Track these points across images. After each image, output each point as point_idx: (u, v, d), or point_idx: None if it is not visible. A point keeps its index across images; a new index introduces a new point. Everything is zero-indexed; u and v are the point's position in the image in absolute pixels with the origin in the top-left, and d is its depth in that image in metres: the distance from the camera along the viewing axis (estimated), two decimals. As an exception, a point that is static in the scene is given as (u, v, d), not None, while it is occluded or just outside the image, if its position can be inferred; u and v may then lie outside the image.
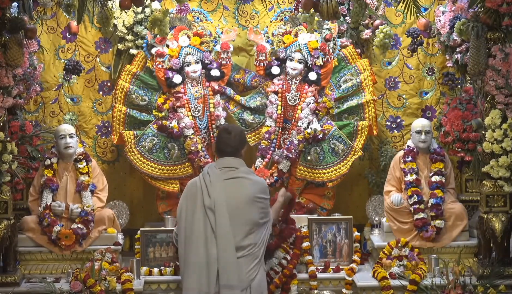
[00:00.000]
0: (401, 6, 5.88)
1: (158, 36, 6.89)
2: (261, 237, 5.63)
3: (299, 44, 7.11)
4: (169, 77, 7.01)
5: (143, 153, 6.98)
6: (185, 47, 7.07)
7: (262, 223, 5.65)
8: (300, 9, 6.83)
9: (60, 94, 7.42)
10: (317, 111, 7.06)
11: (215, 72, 7.09)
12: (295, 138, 7.02)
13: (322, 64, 7.10)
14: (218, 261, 5.48)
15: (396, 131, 7.55)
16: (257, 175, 6.88)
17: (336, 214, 7.03)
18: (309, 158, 7.04)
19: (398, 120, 7.54)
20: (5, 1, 5.99)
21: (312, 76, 7.08)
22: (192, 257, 5.55)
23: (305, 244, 6.62)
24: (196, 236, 5.55)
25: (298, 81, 7.12)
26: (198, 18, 7.27)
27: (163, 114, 6.98)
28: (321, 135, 6.96)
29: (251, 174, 5.77)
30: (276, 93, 7.11)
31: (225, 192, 5.59)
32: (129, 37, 7.14)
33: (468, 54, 6.39)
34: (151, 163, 6.99)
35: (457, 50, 6.83)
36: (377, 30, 6.72)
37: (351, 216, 6.84)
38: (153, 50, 7.03)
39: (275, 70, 7.13)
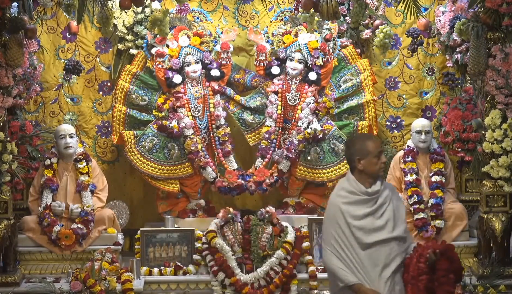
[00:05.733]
0: (401, 6, 5.88)
1: (158, 36, 6.88)
2: None
3: (299, 44, 7.10)
4: (169, 77, 7.00)
5: (143, 153, 6.98)
6: (185, 47, 7.06)
7: None
8: (300, 9, 6.82)
9: (60, 94, 7.42)
10: (317, 111, 7.05)
11: (215, 72, 7.08)
12: (295, 138, 7.02)
13: (322, 64, 7.09)
14: None
15: (396, 131, 7.54)
16: (256, 175, 6.93)
17: (336, 214, 7.02)
18: (309, 158, 7.04)
19: (398, 120, 7.53)
20: (5, 1, 5.99)
21: (312, 76, 7.08)
22: None
23: (305, 244, 6.63)
24: None
25: (298, 81, 7.12)
26: (198, 18, 7.27)
27: (163, 114, 6.97)
28: (321, 135, 6.96)
29: None
30: (276, 93, 7.10)
31: None
32: (129, 37, 7.14)
33: (468, 54, 6.39)
34: (151, 163, 6.99)
35: (457, 50, 6.83)
36: (377, 30, 6.72)
37: (351, 216, 6.84)
38: (153, 50, 7.03)
39: (275, 70, 7.12)
